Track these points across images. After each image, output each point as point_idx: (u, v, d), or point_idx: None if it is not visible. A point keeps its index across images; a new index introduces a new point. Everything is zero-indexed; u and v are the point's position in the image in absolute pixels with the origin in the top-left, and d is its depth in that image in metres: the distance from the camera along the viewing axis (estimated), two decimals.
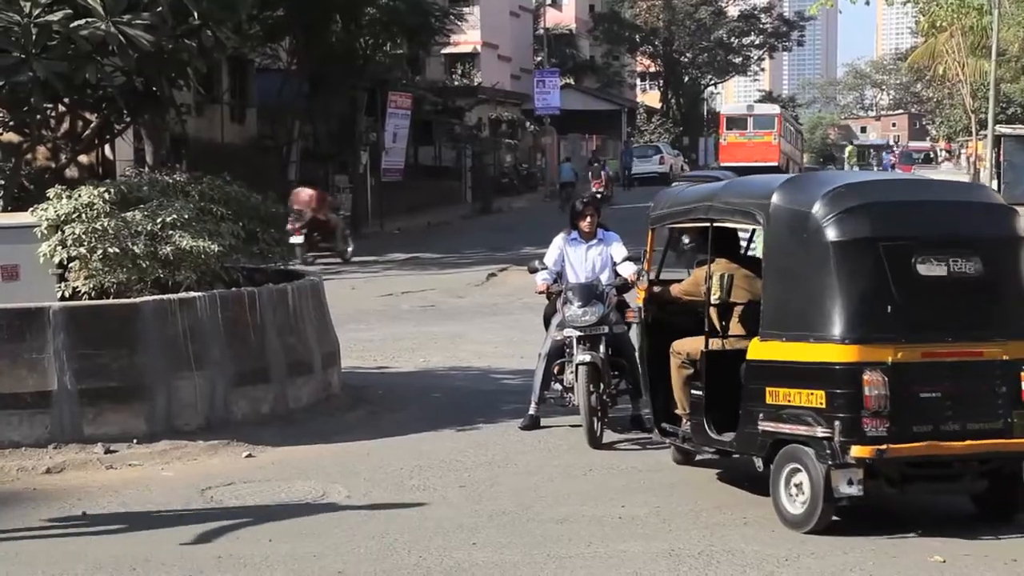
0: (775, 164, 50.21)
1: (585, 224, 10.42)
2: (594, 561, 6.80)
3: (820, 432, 7.18)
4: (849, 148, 62.01)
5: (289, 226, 23.35)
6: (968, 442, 7.18)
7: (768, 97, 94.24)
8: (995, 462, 7.38)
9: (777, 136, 54.80)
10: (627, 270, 10.23)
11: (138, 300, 9.67)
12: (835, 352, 7.18)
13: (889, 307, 7.20)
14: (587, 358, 9.70)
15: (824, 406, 7.18)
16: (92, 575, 6.60)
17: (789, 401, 7.41)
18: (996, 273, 7.42)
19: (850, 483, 7.11)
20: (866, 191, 7.81)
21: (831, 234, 7.28)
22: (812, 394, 7.25)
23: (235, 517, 7.73)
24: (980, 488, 7.52)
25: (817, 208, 7.38)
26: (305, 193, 25.82)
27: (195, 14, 11.55)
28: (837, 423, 7.09)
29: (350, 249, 26.04)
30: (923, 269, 7.27)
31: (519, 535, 7.31)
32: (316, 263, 23.53)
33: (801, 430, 7.31)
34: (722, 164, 51.51)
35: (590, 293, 9.97)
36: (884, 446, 7.03)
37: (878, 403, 7.03)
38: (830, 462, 7.12)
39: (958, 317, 7.37)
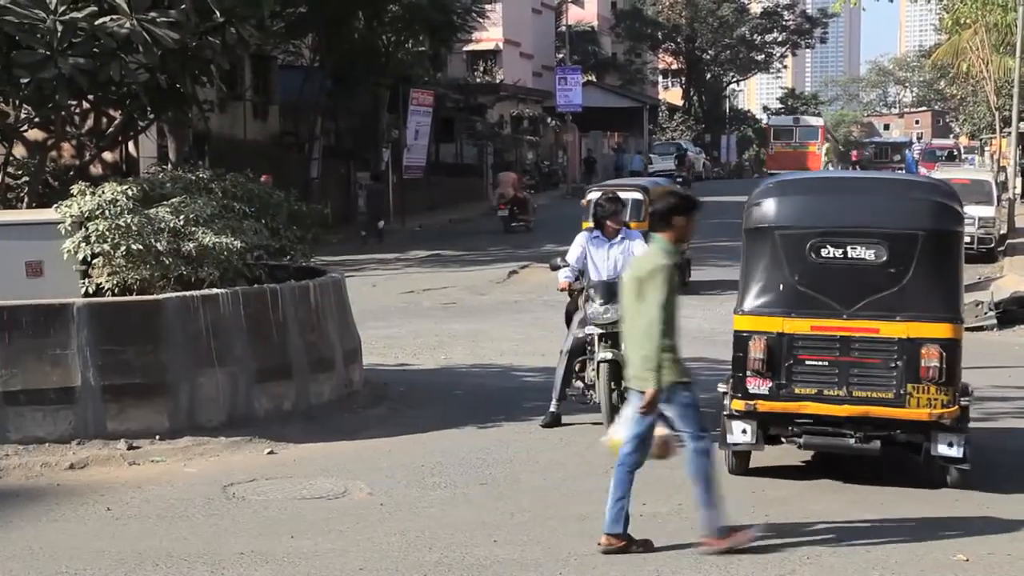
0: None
1: (611, 223, 10.43)
2: (615, 559, 6.80)
3: (723, 388, 8.62)
4: (826, 146, 63.25)
5: (495, 201, 31.90)
6: (848, 407, 8.15)
7: (791, 94, 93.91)
8: (892, 430, 8.26)
9: (820, 146, 59.91)
10: None
11: (161, 296, 9.72)
12: (738, 322, 8.53)
13: (781, 285, 8.35)
14: (609, 355, 9.71)
15: (731, 367, 8.50)
16: (115, 570, 6.63)
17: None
18: (900, 261, 8.16)
19: (744, 432, 8.42)
20: (784, 188, 8.88)
21: (745, 222, 8.64)
22: (732, 357, 8.53)
23: (257, 513, 7.76)
24: (873, 451, 8.37)
25: (747, 200, 8.73)
26: (509, 176, 33.21)
27: (218, 11, 11.59)
28: (731, 381, 8.48)
29: (534, 220, 32.43)
30: (818, 255, 8.29)
31: (541, 533, 7.31)
32: (515, 230, 31.29)
33: (725, 388, 8.62)
34: (769, 172, 54.92)
35: (612, 291, 9.96)
36: (755, 402, 8.31)
37: (758, 365, 8.26)
38: (724, 413, 8.46)
39: (856, 298, 8.23)
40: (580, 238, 10.58)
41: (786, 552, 6.91)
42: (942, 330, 8.10)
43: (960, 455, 8.12)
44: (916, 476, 8.71)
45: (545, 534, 7.27)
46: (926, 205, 8.43)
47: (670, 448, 7.02)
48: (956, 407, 8.06)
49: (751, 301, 8.47)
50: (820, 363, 8.23)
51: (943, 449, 8.11)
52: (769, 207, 8.55)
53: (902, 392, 8.08)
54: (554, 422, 10.27)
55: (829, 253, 8.27)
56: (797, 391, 8.26)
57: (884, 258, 8.18)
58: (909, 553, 6.91)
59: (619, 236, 10.45)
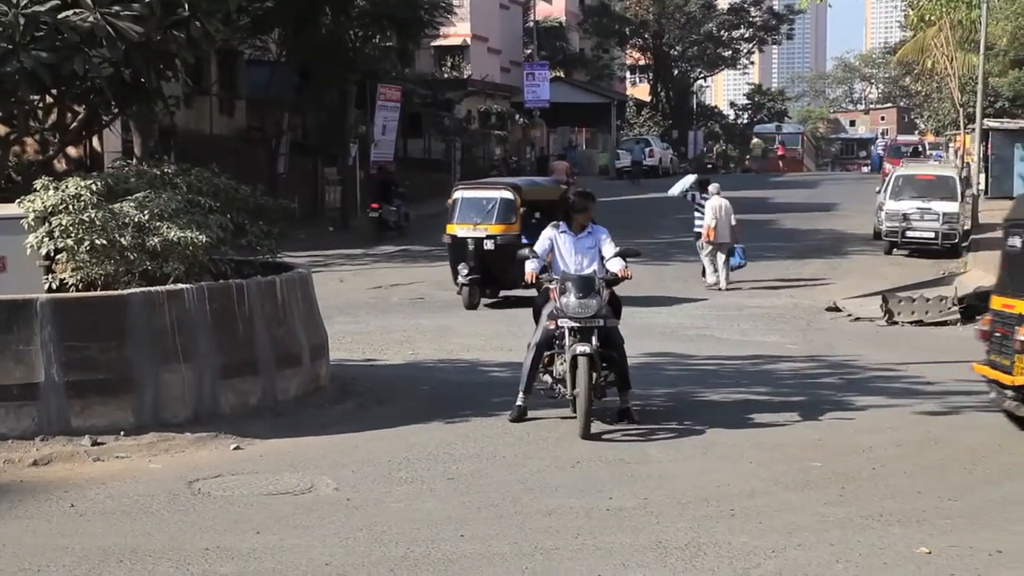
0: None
1: (579, 218, 10.50)
2: (582, 553, 6.81)
3: None
4: (755, 141, 68.72)
5: None
6: (995, 372, 9.99)
7: (758, 90, 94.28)
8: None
9: (801, 151, 70.50)
10: (615, 266, 10.30)
11: (126, 292, 9.65)
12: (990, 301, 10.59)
13: (1001, 270, 10.40)
14: (588, 349, 9.71)
15: None
16: (79, 567, 6.59)
17: None
18: None
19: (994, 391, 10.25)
20: None
21: None
22: None
23: (223, 509, 7.73)
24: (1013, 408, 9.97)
25: None
26: (562, 164, 41.75)
27: (184, 5, 11.53)
28: None
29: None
30: (1012, 243, 10.18)
31: (507, 527, 7.31)
32: None
33: None
34: (746, 171, 64.17)
35: (589, 286, 10.02)
36: (974, 365, 10.58)
37: (982, 336, 10.47)
38: None
39: (1019, 279, 9.94)
40: (548, 231, 10.63)
41: (751, 545, 6.94)
42: None
43: None
44: (879, 468, 8.78)
45: (512, 529, 7.28)
46: None
47: None
48: None
49: (995, 284, 10.49)
50: (997, 334, 10.08)
51: None
52: (1013, 205, 10.86)
53: (1011, 361, 9.72)
54: (521, 416, 10.26)
55: (1015, 241, 10.11)
56: (991, 357, 10.17)
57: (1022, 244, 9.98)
58: (872, 546, 6.96)
59: (586, 231, 10.50)
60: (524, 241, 18.64)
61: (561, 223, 10.57)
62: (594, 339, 9.87)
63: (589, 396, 9.63)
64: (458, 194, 19.71)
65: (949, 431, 10.14)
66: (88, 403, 9.24)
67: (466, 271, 18.69)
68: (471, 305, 18.65)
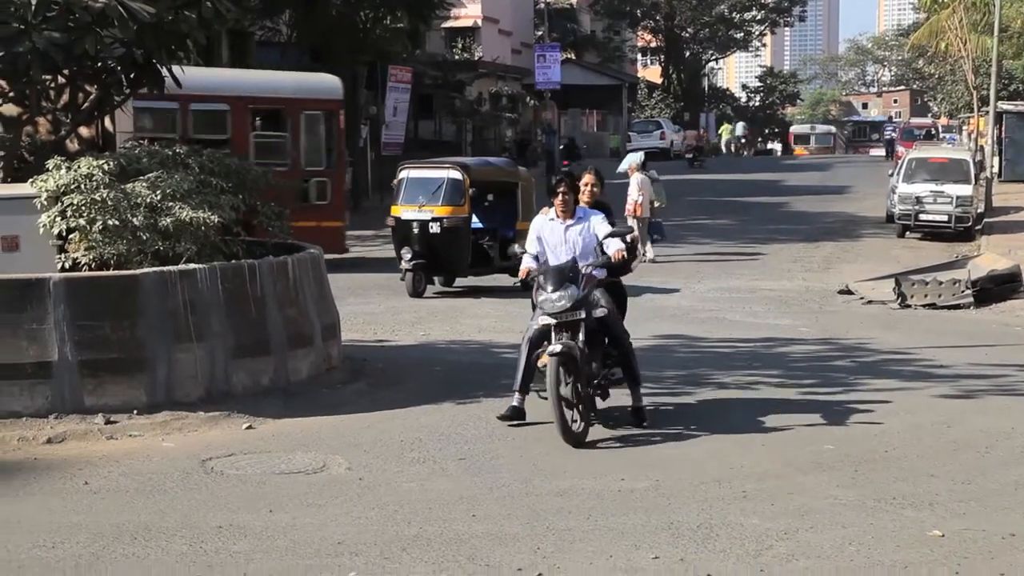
0: None
1: (558, 202, 9.54)
2: (593, 534, 6.82)
3: None
4: (724, 126, 70.69)
5: (684, 147, 49.08)
6: None
7: (769, 73, 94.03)
8: None
9: (833, 149, 76.10)
10: (612, 247, 9.38)
11: (138, 272, 9.67)
12: None
13: None
14: (557, 348, 8.82)
15: None
16: (93, 544, 6.61)
17: None
18: None
19: None
20: None
21: None
22: None
23: (235, 487, 7.75)
24: None
25: None
26: (693, 133, 51.95)
27: None
28: None
29: (706, 159, 48.39)
30: None
31: (519, 508, 7.32)
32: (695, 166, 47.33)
33: None
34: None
35: (562, 276, 9.10)
36: None
37: None
38: None
39: None
40: (536, 220, 9.80)
41: (763, 527, 6.94)
42: None
43: None
44: (892, 451, 8.78)
45: (523, 509, 7.29)
46: None
47: None
48: None
49: None
50: None
51: None
52: None
53: None
54: (515, 416, 9.40)
55: None
56: None
57: None
58: (885, 529, 6.95)
59: (576, 217, 9.57)
60: (475, 225, 18.13)
61: (550, 209, 9.67)
62: (581, 334, 9.01)
63: (559, 400, 8.68)
64: (404, 173, 18.53)
65: (962, 414, 10.12)
66: (101, 382, 9.26)
67: (410, 256, 17.53)
68: (415, 293, 17.48)
